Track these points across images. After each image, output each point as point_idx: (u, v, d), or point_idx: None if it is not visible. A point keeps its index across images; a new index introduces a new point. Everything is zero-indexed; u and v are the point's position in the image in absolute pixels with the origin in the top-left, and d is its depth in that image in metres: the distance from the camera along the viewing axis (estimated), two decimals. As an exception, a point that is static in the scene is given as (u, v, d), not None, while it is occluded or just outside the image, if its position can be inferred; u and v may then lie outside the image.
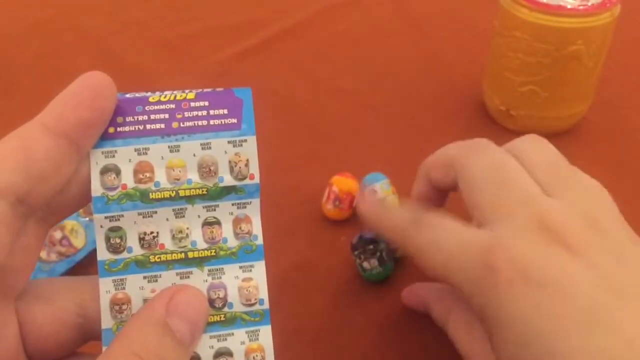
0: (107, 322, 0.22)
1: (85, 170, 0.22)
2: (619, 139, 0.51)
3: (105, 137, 0.22)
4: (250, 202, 0.23)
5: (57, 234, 0.39)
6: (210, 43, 0.65)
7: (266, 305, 0.23)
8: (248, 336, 0.23)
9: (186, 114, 0.23)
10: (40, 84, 0.59)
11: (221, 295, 0.23)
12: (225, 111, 0.23)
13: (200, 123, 0.23)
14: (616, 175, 0.47)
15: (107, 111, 0.22)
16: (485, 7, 0.55)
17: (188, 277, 0.23)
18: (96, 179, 0.22)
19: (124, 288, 0.22)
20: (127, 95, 0.23)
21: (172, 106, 0.23)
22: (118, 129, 0.22)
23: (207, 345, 0.22)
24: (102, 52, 0.63)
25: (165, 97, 0.23)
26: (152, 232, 0.23)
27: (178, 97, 0.23)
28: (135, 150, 0.22)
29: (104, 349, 0.21)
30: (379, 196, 0.42)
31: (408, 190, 0.44)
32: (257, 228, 0.23)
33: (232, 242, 0.23)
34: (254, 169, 0.23)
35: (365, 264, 0.37)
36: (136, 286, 0.22)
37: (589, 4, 0.44)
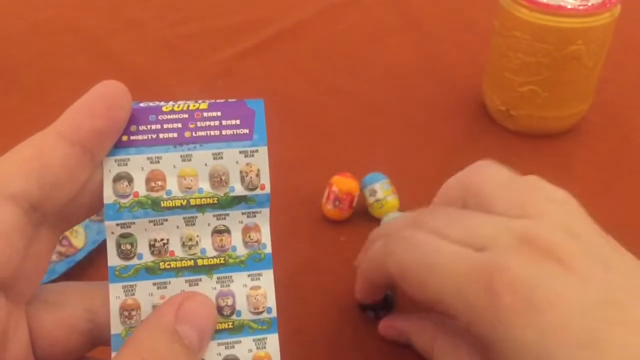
0: (116, 327, 0.22)
1: (98, 177, 0.22)
2: (619, 139, 0.51)
3: (118, 145, 0.22)
4: (260, 211, 0.24)
5: (57, 234, 0.39)
6: (210, 43, 0.65)
7: (274, 314, 0.23)
8: (255, 344, 0.23)
9: (199, 124, 0.23)
10: (40, 84, 0.59)
11: (229, 303, 0.23)
12: (238, 122, 0.23)
13: (212, 133, 0.23)
14: (616, 175, 0.47)
15: (122, 120, 0.22)
16: (485, 7, 0.55)
17: (197, 284, 0.23)
18: (109, 187, 0.22)
19: (133, 294, 0.22)
20: (141, 105, 0.23)
21: (185, 116, 0.23)
22: (131, 137, 0.23)
23: (214, 353, 0.23)
24: (101, 52, 0.63)
25: (178, 107, 0.23)
26: (162, 239, 0.23)
27: (191, 107, 0.23)
28: (148, 158, 0.23)
29: (113, 354, 0.22)
30: (379, 196, 0.42)
31: (408, 190, 0.44)
32: (266, 237, 0.24)
33: (241, 251, 0.23)
34: (265, 179, 0.23)
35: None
36: (146, 292, 0.22)
37: (589, 4, 0.44)
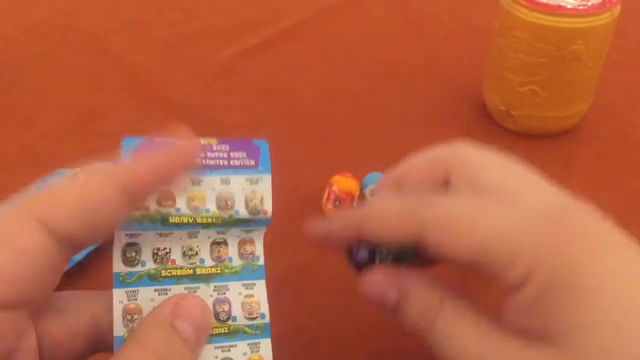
0: (119, 330, 0.23)
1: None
2: (619, 139, 0.51)
3: None
4: (258, 229, 0.26)
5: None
6: (210, 43, 0.65)
7: (267, 320, 0.25)
8: (250, 348, 0.25)
9: (209, 154, 0.25)
10: (40, 84, 0.59)
11: (225, 309, 0.25)
12: (244, 154, 0.25)
13: (221, 162, 0.25)
14: (616, 175, 0.47)
15: (179, 181, 0.24)
16: (485, 7, 0.55)
17: (195, 291, 0.24)
18: None
19: (136, 299, 0.24)
20: (155, 140, 0.25)
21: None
22: None
23: (212, 356, 0.24)
24: (101, 52, 0.63)
25: None
26: (165, 249, 0.24)
27: (202, 142, 0.25)
28: None
29: (115, 354, 0.22)
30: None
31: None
32: (259, 250, 0.26)
33: (237, 262, 0.25)
34: (268, 206, 0.25)
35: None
36: (147, 298, 0.24)
37: (589, 4, 0.44)
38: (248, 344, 0.25)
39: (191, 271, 0.24)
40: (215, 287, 0.25)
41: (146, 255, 0.24)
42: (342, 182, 0.42)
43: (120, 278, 0.24)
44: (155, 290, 0.24)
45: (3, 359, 0.20)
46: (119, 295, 0.23)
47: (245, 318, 0.25)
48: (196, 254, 0.25)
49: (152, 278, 0.24)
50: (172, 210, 0.24)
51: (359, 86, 0.58)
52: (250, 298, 0.25)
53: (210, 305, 0.24)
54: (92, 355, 0.24)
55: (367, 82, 0.58)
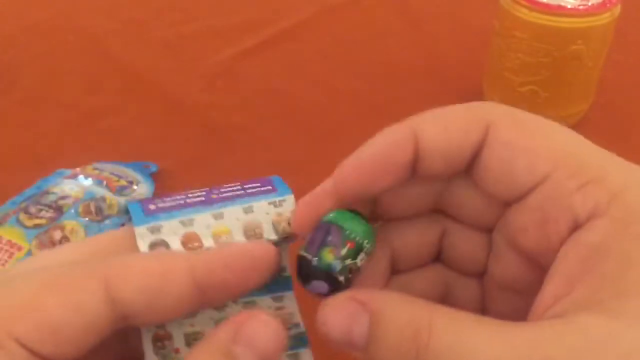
0: (150, 357, 0.21)
1: None
2: (619, 139, 0.51)
3: (147, 214, 0.22)
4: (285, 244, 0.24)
5: (57, 234, 0.39)
6: (210, 43, 0.65)
7: (302, 329, 0.24)
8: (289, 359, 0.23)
9: (222, 190, 0.24)
10: (40, 84, 0.59)
11: None
12: (258, 184, 0.24)
13: (237, 193, 0.23)
14: (616, 175, 0.47)
15: (252, 284, 0.21)
16: (485, 7, 0.55)
17: (224, 310, 0.23)
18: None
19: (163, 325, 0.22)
20: (163, 198, 0.23)
21: (208, 189, 0.24)
22: (159, 205, 0.23)
23: None
24: (101, 52, 0.63)
25: (195, 191, 0.24)
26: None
27: (210, 188, 0.24)
28: (181, 222, 0.22)
29: None
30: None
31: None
32: (285, 260, 0.24)
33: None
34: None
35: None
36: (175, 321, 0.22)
37: (589, 4, 0.44)
38: (287, 356, 0.23)
39: None
40: (243, 304, 0.23)
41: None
42: (342, 182, 0.42)
43: None
44: None
45: None
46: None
47: None
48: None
49: None
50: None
51: (359, 86, 0.58)
52: (281, 310, 0.24)
53: None
54: None
55: (367, 82, 0.58)
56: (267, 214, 0.23)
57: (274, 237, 0.23)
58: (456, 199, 0.24)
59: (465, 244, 0.24)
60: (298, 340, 0.23)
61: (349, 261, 0.21)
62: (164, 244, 0.22)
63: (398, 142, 0.22)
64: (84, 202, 0.41)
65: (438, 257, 0.25)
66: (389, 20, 0.70)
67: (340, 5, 0.72)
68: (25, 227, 0.39)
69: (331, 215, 0.22)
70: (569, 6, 0.44)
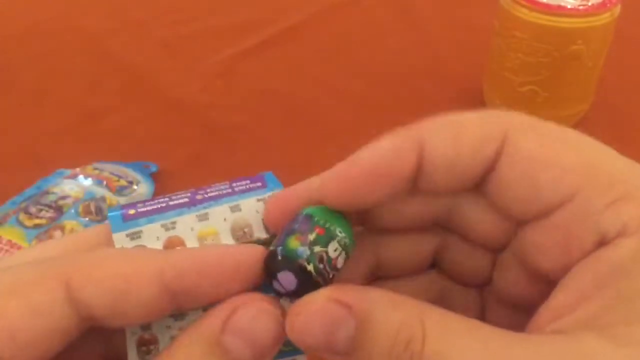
0: None
1: None
2: (619, 139, 0.50)
3: (126, 219, 0.21)
4: None
5: (57, 234, 0.39)
6: (210, 43, 0.65)
7: None
8: None
9: (208, 190, 0.22)
10: (40, 84, 0.59)
11: None
12: (248, 181, 0.22)
13: (224, 192, 0.22)
14: (616, 175, 0.47)
15: (232, 291, 0.19)
16: (485, 7, 0.55)
17: None
18: None
19: (150, 328, 0.20)
20: (138, 205, 0.22)
21: (194, 189, 0.22)
22: (139, 210, 0.21)
23: None
24: (101, 52, 0.63)
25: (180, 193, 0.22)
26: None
27: (196, 189, 0.22)
28: (162, 226, 0.21)
29: None
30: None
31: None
32: None
33: None
34: None
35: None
36: (163, 325, 0.20)
37: (589, 4, 0.44)
38: None
39: None
40: None
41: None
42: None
43: None
44: (171, 316, 0.20)
45: None
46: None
47: None
48: None
49: None
50: None
51: (359, 86, 0.58)
52: None
53: None
54: None
55: (367, 82, 0.58)
56: (257, 212, 0.21)
57: (264, 235, 0.21)
58: (461, 215, 0.21)
59: (468, 260, 0.22)
60: (294, 346, 0.21)
61: (318, 248, 0.18)
62: None
63: (399, 150, 0.19)
64: (84, 202, 0.41)
65: (432, 264, 0.23)
66: (389, 20, 0.70)
67: (340, 5, 0.72)
68: (25, 227, 0.39)
69: (306, 208, 0.20)
70: (569, 6, 0.44)
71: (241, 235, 0.21)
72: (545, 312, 0.18)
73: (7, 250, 0.38)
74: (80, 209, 0.41)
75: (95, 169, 0.45)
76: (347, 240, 0.19)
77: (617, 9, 0.45)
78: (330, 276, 0.19)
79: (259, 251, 0.19)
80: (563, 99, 0.48)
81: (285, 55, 0.63)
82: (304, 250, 0.18)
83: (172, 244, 0.21)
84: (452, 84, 0.58)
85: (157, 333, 0.20)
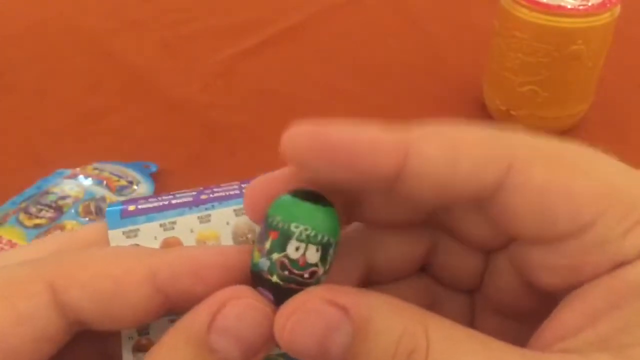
0: None
1: None
2: (619, 139, 0.51)
3: (124, 216, 0.20)
4: None
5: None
6: (210, 43, 0.65)
7: None
8: None
9: (215, 190, 0.21)
10: (40, 84, 0.59)
11: None
12: None
13: (232, 193, 0.20)
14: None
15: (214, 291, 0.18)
16: (485, 7, 0.55)
17: None
18: None
19: (147, 333, 0.20)
20: (138, 201, 0.21)
21: (201, 188, 0.21)
22: (139, 207, 0.20)
23: None
24: (101, 52, 0.63)
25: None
26: None
27: (204, 187, 0.21)
28: (161, 225, 0.20)
29: None
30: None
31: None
32: None
33: None
34: None
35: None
36: (161, 330, 0.19)
37: (589, 4, 0.44)
38: None
39: None
40: None
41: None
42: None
43: None
44: (170, 321, 0.19)
45: None
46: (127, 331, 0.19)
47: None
48: None
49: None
50: None
51: (359, 86, 0.58)
52: None
53: None
54: None
55: (367, 82, 0.58)
56: None
57: None
58: (453, 215, 0.20)
59: (459, 261, 0.21)
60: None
61: (275, 255, 0.16)
62: None
63: (380, 147, 0.17)
64: (84, 202, 0.41)
65: (423, 267, 0.22)
66: (389, 20, 0.70)
67: (340, 5, 0.72)
68: (25, 227, 0.39)
69: (276, 200, 0.17)
70: (569, 6, 0.44)
71: (243, 241, 0.20)
72: (551, 329, 0.17)
73: (7, 251, 0.38)
74: (80, 209, 0.41)
75: (95, 169, 0.45)
76: (309, 232, 0.17)
77: (617, 9, 0.45)
78: (307, 276, 0.17)
79: (244, 249, 0.18)
80: (563, 99, 0.48)
81: (285, 55, 0.63)
82: (264, 262, 0.17)
83: (169, 245, 0.20)
84: (452, 84, 0.58)
85: (155, 338, 0.19)
